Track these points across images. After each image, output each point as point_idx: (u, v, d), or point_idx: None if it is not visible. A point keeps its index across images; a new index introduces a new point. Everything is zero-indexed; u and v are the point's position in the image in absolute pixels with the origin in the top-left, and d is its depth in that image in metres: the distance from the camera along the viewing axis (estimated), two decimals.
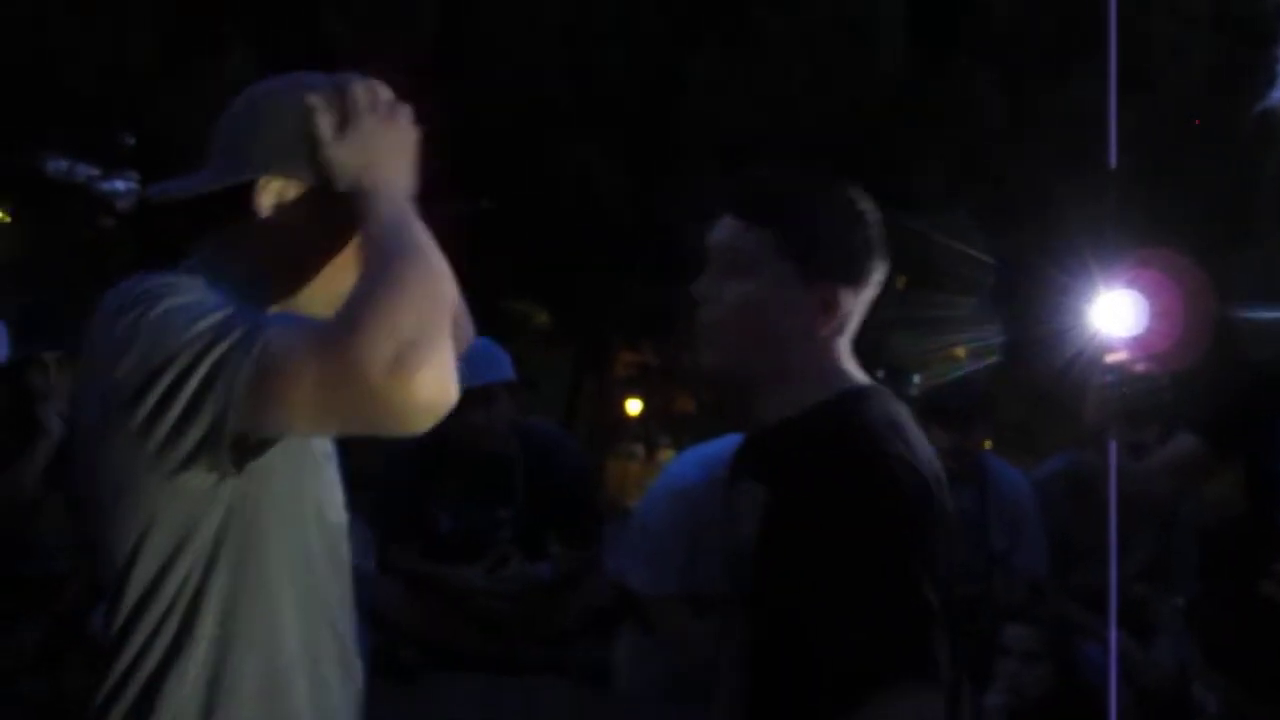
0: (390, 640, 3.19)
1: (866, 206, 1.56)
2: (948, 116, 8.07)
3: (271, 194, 1.29)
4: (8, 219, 10.63)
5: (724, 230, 1.53)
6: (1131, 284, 2.25)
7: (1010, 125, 8.30)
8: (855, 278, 1.52)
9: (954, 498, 3.28)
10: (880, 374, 9.96)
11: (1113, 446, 2.26)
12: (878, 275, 1.55)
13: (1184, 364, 2.43)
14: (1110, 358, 2.26)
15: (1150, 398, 2.27)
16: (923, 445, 1.50)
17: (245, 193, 1.28)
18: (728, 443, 3.06)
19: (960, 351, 11.54)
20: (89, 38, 7.08)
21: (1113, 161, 2.37)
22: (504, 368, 3.15)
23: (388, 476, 3.33)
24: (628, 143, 8.54)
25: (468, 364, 3.13)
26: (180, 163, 1.43)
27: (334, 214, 1.28)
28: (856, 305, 1.54)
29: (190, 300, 1.17)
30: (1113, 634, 2.54)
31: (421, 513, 3.23)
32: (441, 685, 3.16)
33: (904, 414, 1.53)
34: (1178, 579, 3.29)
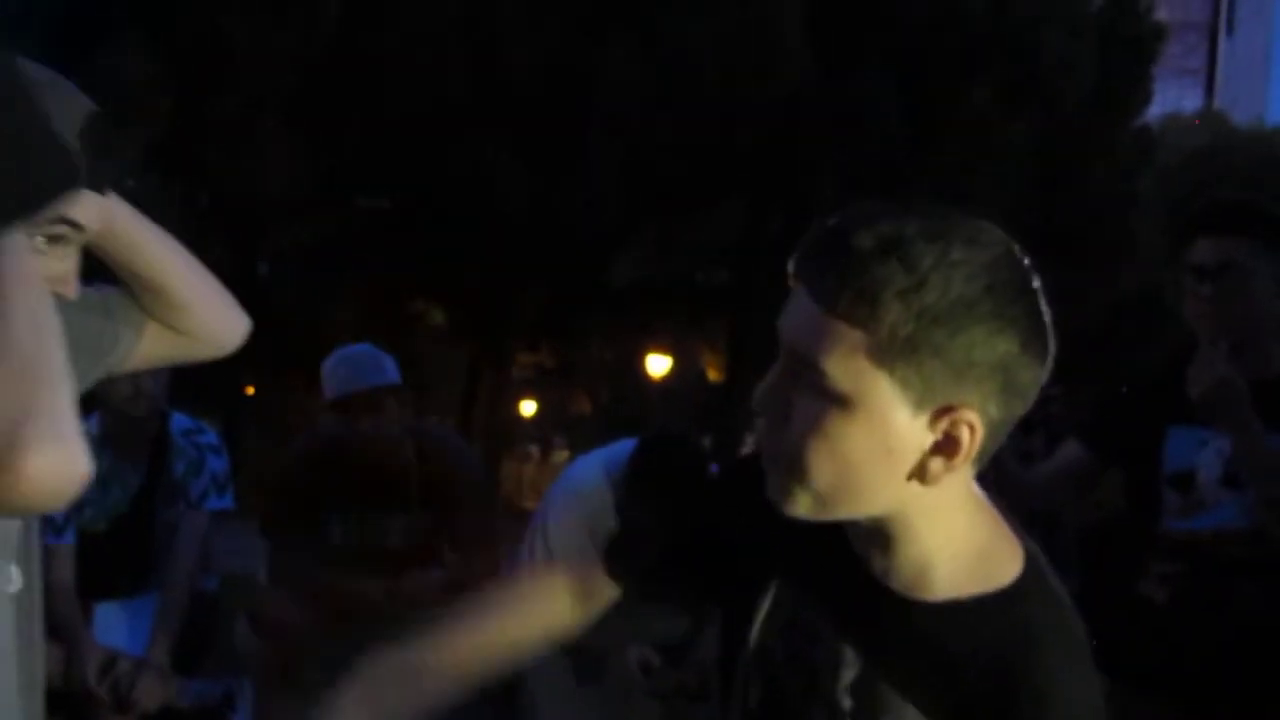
0: (285, 653, 3.12)
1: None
2: (847, 123, 8.18)
3: None
4: None
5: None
6: None
7: (909, 133, 8.45)
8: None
9: None
10: None
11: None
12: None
13: (1073, 373, 2.48)
14: None
15: (1039, 408, 2.31)
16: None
17: None
18: (625, 445, 3.06)
19: None
20: None
21: None
22: (388, 372, 3.09)
23: (278, 485, 3.26)
24: (529, 141, 8.50)
25: (353, 369, 3.09)
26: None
27: None
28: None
29: None
30: None
31: (313, 521, 3.16)
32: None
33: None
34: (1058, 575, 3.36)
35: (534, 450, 15.65)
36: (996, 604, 1.03)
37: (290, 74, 7.80)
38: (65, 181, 1.09)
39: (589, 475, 3.02)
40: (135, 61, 6.94)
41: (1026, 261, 1.00)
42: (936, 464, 0.99)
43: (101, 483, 2.98)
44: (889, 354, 0.96)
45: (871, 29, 8.36)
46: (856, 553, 1.09)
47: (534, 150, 8.51)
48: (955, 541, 1.05)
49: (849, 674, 1.09)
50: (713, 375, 13.72)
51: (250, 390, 12.13)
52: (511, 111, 8.34)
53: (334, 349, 3.25)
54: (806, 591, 1.14)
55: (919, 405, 0.97)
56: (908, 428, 0.98)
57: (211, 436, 3.15)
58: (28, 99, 1.07)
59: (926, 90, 8.45)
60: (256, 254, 10.07)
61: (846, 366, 0.97)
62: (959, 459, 0.98)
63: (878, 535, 1.05)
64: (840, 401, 0.98)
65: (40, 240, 1.14)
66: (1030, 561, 1.06)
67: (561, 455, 14.98)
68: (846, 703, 1.08)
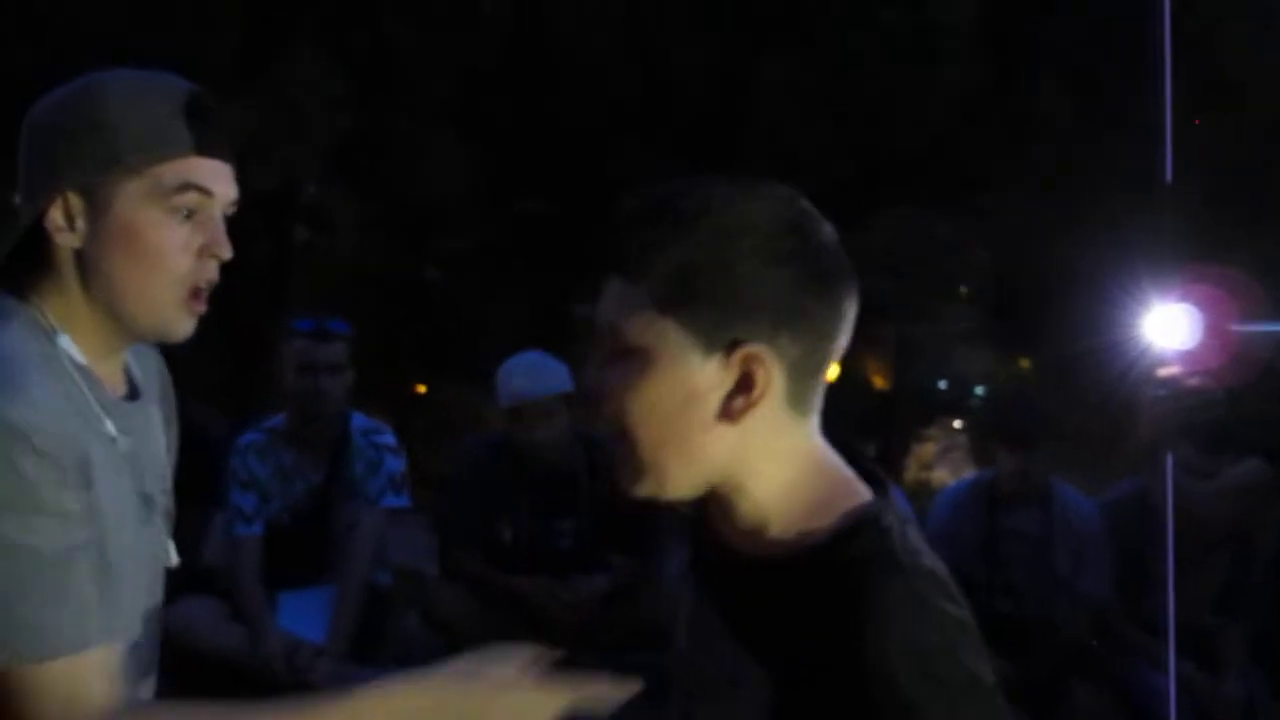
0: (452, 645, 3.21)
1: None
2: (1017, 127, 7.99)
3: (59, 212, 1.21)
4: None
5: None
6: (1185, 298, 2.23)
7: (1078, 137, 8.21)
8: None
9: (1017, 520, 3.30)
10: (943, 385, 9.90)
11: (1169, 461, 2.24)
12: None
13: (1237, 380, 2.40)
14: (1162, 372, 2.23)
15: (1203, 412, 2.24)
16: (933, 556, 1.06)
17: (39, 220, 1.22)
18: None
19: (1025, 363, 11.43)
20: (165, 47, 7.20)
21: (1168, 176, 2.34)
22: (561, 379, 3.17)
23: (453, 486, 3.37)
24: (690, 145, 8.54)
25: (527, 378, 3.17)
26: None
27: (123, 210, 1.21)
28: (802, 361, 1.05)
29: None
30: (1172, 661, 2.50)
31: (485, 522, 3.26)
32: None
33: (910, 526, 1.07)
34: (1249, 609, 3.23)
35: None
36: (822, 557, 1.03)
37: (458, 81, 8.00)
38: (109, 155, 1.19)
39: None
40: (310, 76, 7.21)
41: (811, 210, 1.07)
42: (739, 402, 1.02)
43: (286, 477, 3.13)
44: (669, 301, 1.01)
45: (1045, 28, 8.14)
46: (718, 530, 1.11)
47: (694, 153, 8.54)
48: (787, 494, 1.06)
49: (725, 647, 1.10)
50: (877, 383, 13.55)
51: (421, 389, 12.48)
52: (673, 115, 8.39)
53: (501, 349, 3.35)
54: (698, 583, 1.17)
55: (709, 347, 1.01)
56: (703, 370, 1.02)
57: (390, 437, 3.27)
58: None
59: (1102, 89, 8.20)
60: (425, 258, 10.36)
61: (635, 321, 1.02)
62: (757, 393, 1.01)
63: (720, 501, 1.08)
64: (638, 356, 1.02)
65: (181, 213, 1.21)
66: (869, 512, 1.04)
67: None
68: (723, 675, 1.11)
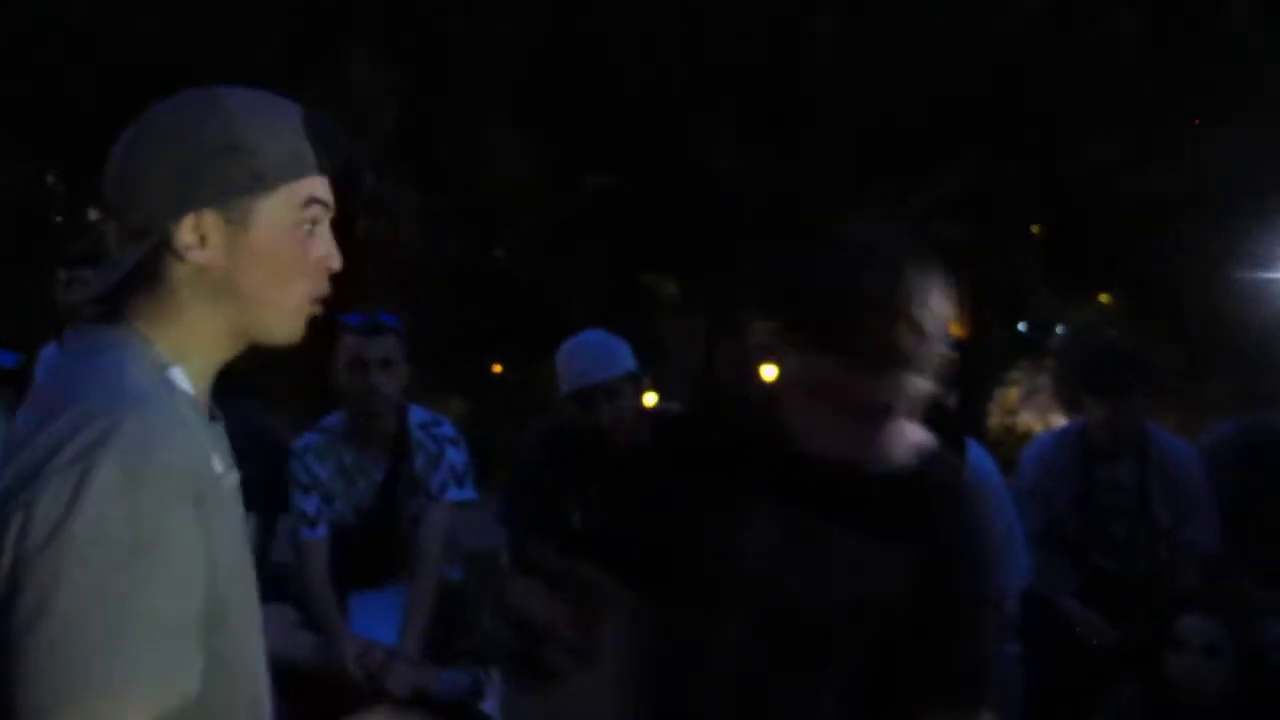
0: (531, 639, 3.14)
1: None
2: (1086, 59, 7.71)
3: (190, 232, 1.22)
4: None
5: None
6: None
7: (1154, 63, 7.90)
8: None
9: (1111, 471, 3.13)
10: (1022, 326, 9.66)
11: None
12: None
13: None
14: None
15: None
16: None
17: (160, 243, 1.23)
18: None
19: (1105, 299, 11.11)
20: (220, 46, 7.21)
21: None
22: (624, 360, 3.06)
23: (518, 474, 3.29)
24: (752, 108, 8.39)
25: (589, 361, 3.07)
26: None
27: (261, 227, 1.24)
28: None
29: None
30: None
31: (553, 510, 3.17)
32: (584, 684, 3.10)
33: None
34: None
35: None
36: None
37: (511, 63, 7.92)
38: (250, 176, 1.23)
39: None
40: (363, 70, 7.19)
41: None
42: None
43: (347, 476, 3.07)
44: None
45: None
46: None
47: (757, 116, 8.39)
48: None
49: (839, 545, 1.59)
50: (955, 331, 13.29)
51: (497, 369, 12.51)
52: (732, 80, 8.24)
53: (574, 326, 3.25)
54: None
55: None
56: None
57: (449, 429, 3.19)
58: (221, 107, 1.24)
59: (1173, 12, 7.87)
60: (493, 240, 10.34)
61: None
62: None
63: None
64: None
65: (307, 225, 1.26)
66: None
67: None
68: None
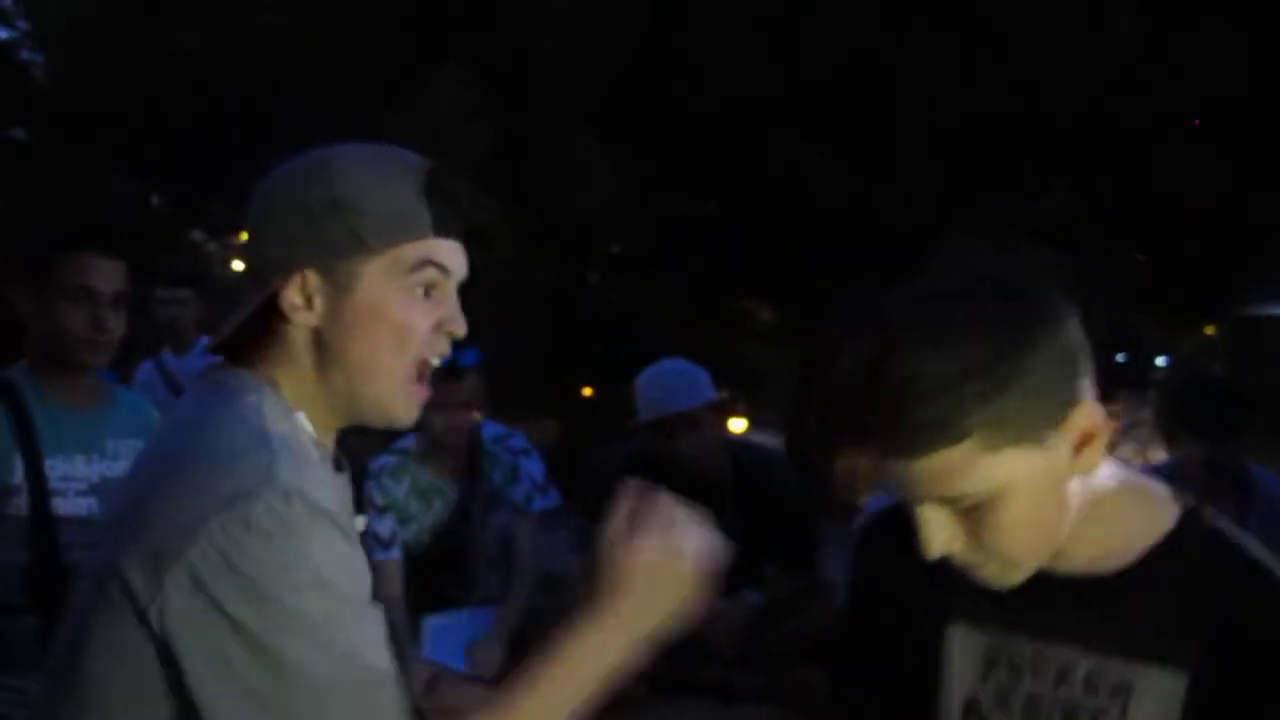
0: None
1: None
2: (1184, 82, 7.53)
3: (296, 292, 1.21)
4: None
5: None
6: None
7: (1255, 84, 7.69)
8: None
9: None
10: (1121, 357, 9.47)
11: None
12: None
13: None
14: None
15: None
16: None
17: (273, 297, 1.22)
18: None
19: (1211, 330, 10.81)
20: (314, 68, 7.36)
21: None
22: (703, 390, 3.06)
23: (597, 503, 3.29)
24: (839, 133, 8.34)
25: (667, 391, 3.07)
26: None
27: (365, 290, 1.21)
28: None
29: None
30: None
31: None
32: (661, 713, 3.09)
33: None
34: None
35: None
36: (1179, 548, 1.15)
37: (599, 85, 7.97)
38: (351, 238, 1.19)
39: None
40: (454, 91, 7.27)
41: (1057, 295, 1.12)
42: (1086, 455, 1.09)
43: (423, 497, 3.10)
44: (997, 443, 1.04)
45: None
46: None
47: (844, 141, 8.33)
48: (1109, 513, 1.15)
49: (1080, 671, 1.11)
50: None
51: (588, 392, 12.56)
52: (819, 104, 8.20)
53: (663, 348, 3.26)
54: (997, 623, 1.17)
55: (1044, 436, 1.07)
56: (1056, 453, 1.08)
57: (521, 440, 3.22)
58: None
59: (1273, 34, 7.66)
60: (586, 264, 10.39)
61: (975, 477, 1.05)
62: (1096, 434, 1.10)
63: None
64: (993, 500, 1.06)
65: (419, 290, 1.22)
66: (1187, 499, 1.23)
67: None
68: (1091, 700, 1.10)
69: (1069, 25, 7.21)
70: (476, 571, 3.15)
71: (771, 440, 11.28)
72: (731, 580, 3.08)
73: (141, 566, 1.08)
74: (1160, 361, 11.15)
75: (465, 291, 1.27)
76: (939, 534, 1.08)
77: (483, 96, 7.57)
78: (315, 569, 1.08)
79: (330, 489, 1.19)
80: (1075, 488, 1.11)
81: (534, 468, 3.18)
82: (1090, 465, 1.09)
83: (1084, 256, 9.30)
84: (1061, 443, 1.07)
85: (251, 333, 1.23)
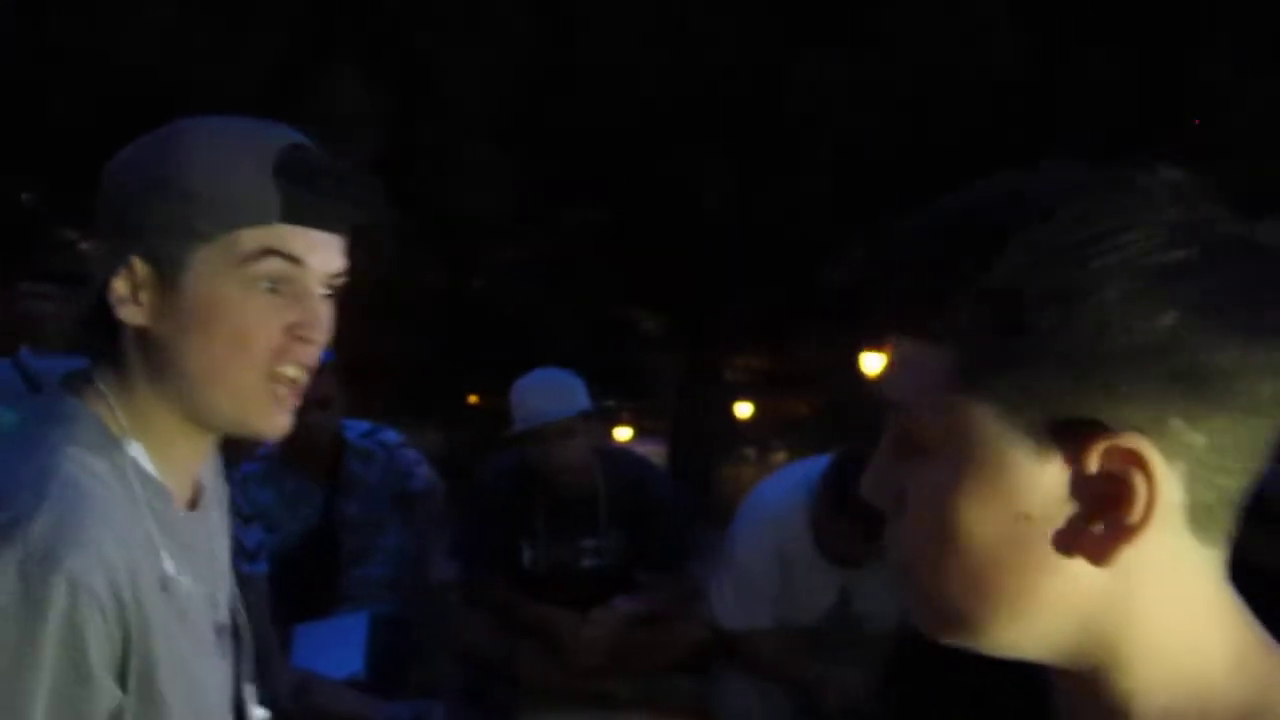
0: (481, 676, 3.11)
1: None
2: (1066, 104, 7.76)
3: (124, 283, 1.04)
4: None
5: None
6: None
7: (1138, 110, 7.95)
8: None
9: None
10: None
11: None
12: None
13: None
14: None
15: None
16: None
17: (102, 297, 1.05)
18: (814, 465, 2.91)
19: None
20: (205, 66, 7.21)
21: None
22: (578, 399, 3.04)
23: (471, 509, 3.27)
24: (735, 145, 8.41)
25: (542, 400, 3.05)
26: None
27: (195, 281, 1.03)
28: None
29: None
30: None
31: (505, 546, 3.15)
32: None
33: None
34: None
35: (751, 453, 15.54)
36: None
37: (495, 93, 7.94)
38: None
39: (780, 497, 2.90)
40: (346, 94, 7.18)
41: (1222, 212, 0.63)
42: (1104, 527, 0.61)
43: (290, 503, 3.04)
44: (980, 367, 0.62)
45: (1086, 3, 7.91)
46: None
47: (740, 153, 8.41)
48: (1193, 673, 0.64)
49: None
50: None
51: (473, 399, 12.45)
52: (716, 116, 8.27)
53: (551, 358, 3.24)
54: None
55: (1041, 438, 0.61)
56: (1039, 475, 0.62)
57: (393, 434, 3.17)
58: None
59: (1152, 62, 7.93)
60: (472, 270, 10.33)
61: (931, 401, 0.64)
62: (1137, 513, 0.60)
63: (1080, 686, 0.66)
64: (938, 454, 0.64)
65: (260, 284, 1.04)
66: None
67: (779, 457, 14.83)
68: None
69: (952, 43, 7.37)
70: (344, 577, 3.10)
71: (657, 448, 11.33)
72: (605, 588, 3.09)
73: None
74: None
75: (351, 296, 1.12)
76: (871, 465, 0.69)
77: (373, 100, 7.48)
78: (17, 649, 0.92)
79: (131, 545, 1.00)
80: (1085, 581, 0.63)
81: (406, 455, 3.14)
82: (1104, 551, 0.62)
83: None
84: (1061, 470, 0.62)
85: (91, 334, 1.07)
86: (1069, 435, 0.61)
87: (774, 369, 12.94)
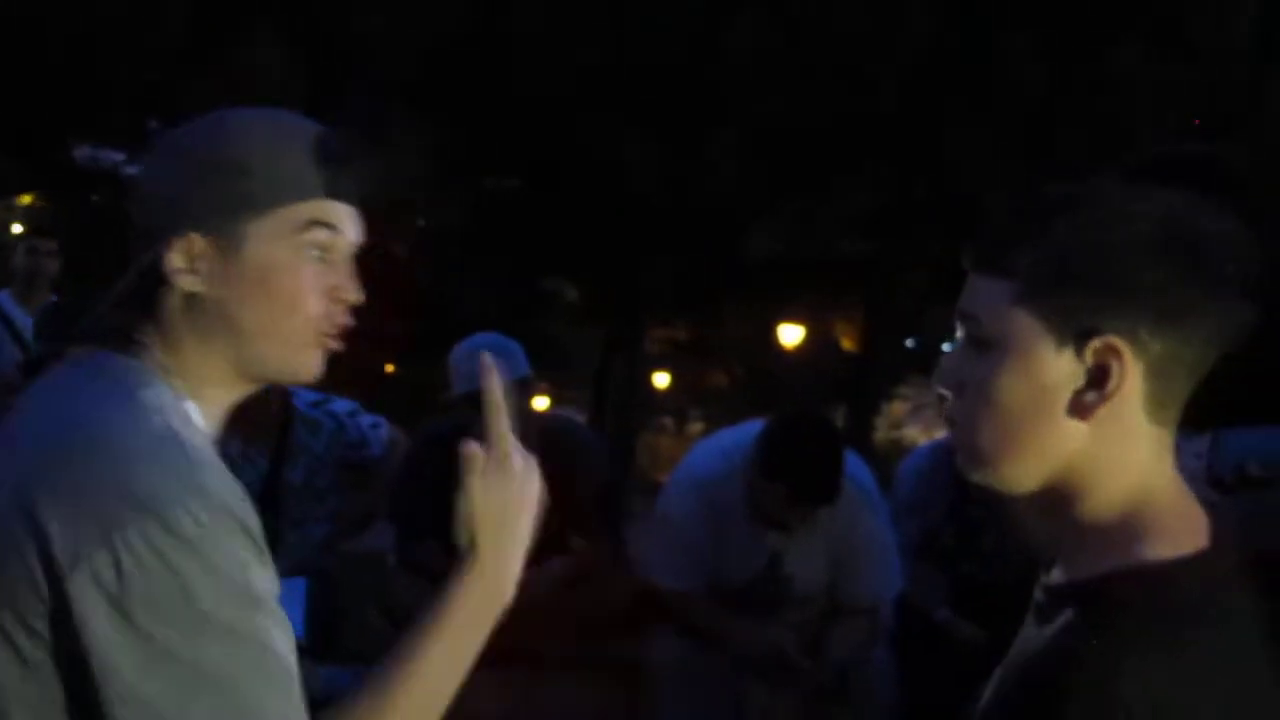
0: None
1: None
2: (988, 86, 7.92)
3: (181, 255, 1.16)
4: (34, 202, 10.64)
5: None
6: None
7: (1052, 95, 8.13)
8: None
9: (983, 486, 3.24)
10: (911, 343, 9.82)
11: None
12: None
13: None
14: None
15: None
16: None
17: (156, 263, 1.18)
18: (749, 429, 2.98)
19: None
20: (119, 26, 7.06)
21: None
22: (519, 365, 3.06)
23: (406, 475, 3.28)
24: (659, 116, 8.45)
25: (478, 362, 3.09)
26: None
27: (253, 251, 1.17)
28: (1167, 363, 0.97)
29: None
30: None
31: (440, 512, 3.17)
32: (470, 681, 3.10)
33: None
34: None
35: (669, 423, 15.68)
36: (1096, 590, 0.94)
37: (416, 59, 7.88)
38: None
39: (712, 463, 2.96)
40: (268, 54, 7.09)
41: (1203, 204, 0.97)
42: (1090, 397, 0.96)
43: (234, 469, 3.03)
44: (1029, 293, 0.98)
45: None
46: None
47: (664, 125, 8.45)
48: (1124, 512, 0.97)
49: None
50: (846, 345, 13.53)
51: (390, 369, 12.40)
52: (640, 87, 8.29)
53: (468, 328, 3.24)
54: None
55: (1062, 337, 0.97)
56: (1056, 362, 0.98)
57: (346, 404, 3.16)
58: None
59: (1069, 48, 8.13)
60: (391, 237, 10.26)
61: (992, 312, 1.00)
62: (1110, 387, 0.95)
63: (1049, 506, 1.00)
64: (993, 347, 1.00)
65: (310, 251, 1.18)
66: (1207, 557, 0.95)
67: (696, 427, 15.00)
68: None
69: (880, 24, 7.48)
70: (286, 538, 3.10)
71: (576, 418, 11.39)
72: (537, 551, 3.14)
73: (30, 577, 1.03)
74: (947, 347, 11.71)
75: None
76: (945, 358, 1.05)
77: (292, 64, 7.39)
78: (236, 579, 1.05)
79: (235, 488, 1.15)
80: (1074, 431, 0.97)
81: (363, 423, 3.14)
82: (1090, 409, 0.96)
83: (889, 246, 9.68)
84: (1073, 357, 0.96)
85: (136, 311, 1.18)
86: (1079, 337, 0.96)
87: (692, 340, 13.07)
